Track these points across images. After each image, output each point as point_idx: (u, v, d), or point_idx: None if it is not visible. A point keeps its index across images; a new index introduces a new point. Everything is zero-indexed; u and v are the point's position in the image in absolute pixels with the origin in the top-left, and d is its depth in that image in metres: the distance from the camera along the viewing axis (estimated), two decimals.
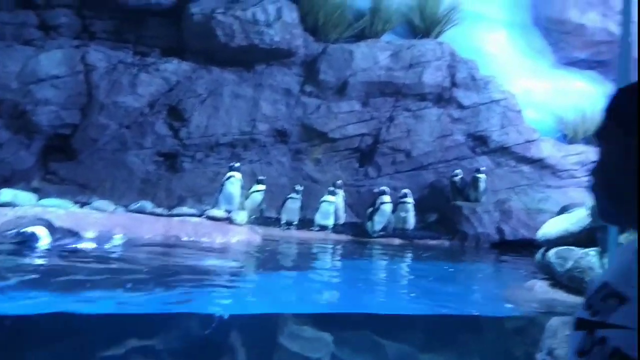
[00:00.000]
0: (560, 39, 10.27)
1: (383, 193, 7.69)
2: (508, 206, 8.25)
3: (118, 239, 5.19)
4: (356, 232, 7.86)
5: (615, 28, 9.45)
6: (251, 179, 7.99)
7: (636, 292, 0.88)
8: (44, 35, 7.97)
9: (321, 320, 4.70)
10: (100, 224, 5.28)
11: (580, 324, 0.96)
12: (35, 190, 6.54)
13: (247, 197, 7.19)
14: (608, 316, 0.90)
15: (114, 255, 4.68)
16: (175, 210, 6.19)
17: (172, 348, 3.77)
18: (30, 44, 7.79)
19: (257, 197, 7.34)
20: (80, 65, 7.66)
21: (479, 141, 9.18)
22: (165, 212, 6.06)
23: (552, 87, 10.02)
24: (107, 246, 4.90)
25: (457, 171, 8.62)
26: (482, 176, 8.35)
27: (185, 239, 5.61)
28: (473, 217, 8.06)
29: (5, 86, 7.34)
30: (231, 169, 7.14)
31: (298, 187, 7.57)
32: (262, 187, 7.41)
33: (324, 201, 7.54)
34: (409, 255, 7.20)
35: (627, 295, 0.90)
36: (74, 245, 4.81)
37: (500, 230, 8.01)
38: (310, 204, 7.90)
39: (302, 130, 8.80)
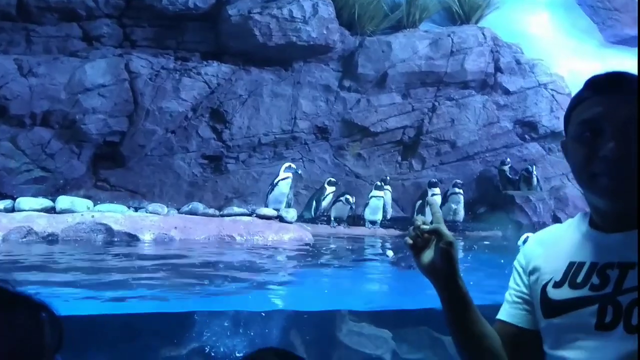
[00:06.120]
0: (607, 16, 9.82)
1: (433, 185, 7.51)
2: (563, 193, 7.93)
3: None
4: (404, 226, 7.69)
5: None
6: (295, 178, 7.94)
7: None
8: (88, 46, 8.15)
9: (381, 317, 4.59)
10: (157, 227, 5.34)
11: (584, 301, 1.02)
12: (87, 198, 6.67)
13: (320, 200, 7.28)
14: (621, 284, 0.99)
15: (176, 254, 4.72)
16: (225, 211, 6.21)
17: (229, 345, 3.75)
18: (75, 55, 7.98)
19: (330, 198, 7.38)
20: (124, 73, 7.79)
21: (528, 127, 8.87)
22: (216, 212, 6.09)
23: (602, 67, 9.36)
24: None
25: (507, 160, 8.35)
26: (534, 172, 8.03)
27: (238, 238, 5.61)
28: (527, 206, 7.79)
29: (54, 98, 7.54)
30: (287, 169, 7.16)
31: (350, 198, 7.49)
32: (333, 188, 7.46)
33: (373, 197, 7.43)
34: (462, 247, 6.99)
35: (630, 261, 0.99)
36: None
37: (556, 219, 7.69)
38: (355, 200, 7.79)
39: (343, 125, 8.70)
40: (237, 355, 3.43)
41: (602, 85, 1.08)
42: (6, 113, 7.35)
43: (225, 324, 3.46)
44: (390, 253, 6.09)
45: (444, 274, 1.10)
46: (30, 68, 7.52)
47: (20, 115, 7.40)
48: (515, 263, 1.21)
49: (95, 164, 7.82)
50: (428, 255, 1.11)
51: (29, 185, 7.29)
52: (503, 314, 1.19)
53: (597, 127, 1.05)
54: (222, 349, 3.46)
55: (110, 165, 7.81)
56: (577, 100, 1.11)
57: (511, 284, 1.20)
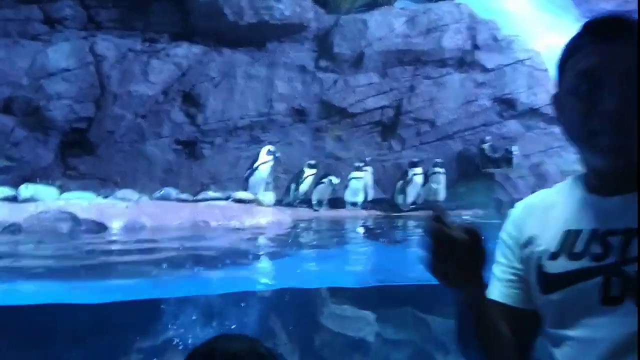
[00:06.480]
0: None
1: (415, 165, 7.43)
2: (543, 170, 7.91)
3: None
4: (385, 207, 7.62)
5: None
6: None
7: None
8: (50, 29, 7.77)
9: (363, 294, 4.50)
10: (126, 214, 5.10)
11: (586, 273, 0.90)
12: (57, 188, 6.38)
13: (298, 183, 7.07)
14: (627, 252, 0.87)
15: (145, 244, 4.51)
16: (201, 196, 6.00)
17: (203, 332, 3.61)
18: (37, 39, 7.61)
19: (310, 180, 7.21)
20: (89, 56, 7.46)
21: (506, 105, 8.80)
22: (190, 197, 5.87)
23: None
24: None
25: (487, 138, 8.29)
26: (515, 152, 7.98)
27: (214, 223, 5.41)
28: (507, 184, 7.75)
29: (15, 83, 7.19)
30: (268, 153, 6.95)
31: (333, 179, 7.36)
32: (314, 170, 7.25)
33: (353, 178, 7.31)
34: None
35: (635, 227, 0.87)
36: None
37: None
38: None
39: (321, 107, 8.52)
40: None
41: (600, 31, 0.93)
42: None
43: (196, 311, 3.30)
44: (360, 230, 6.01)
45: (472, 277, 0.91)
46: None
47: None
48: (503, 235, 1.05)
49: (63, 152, 7.50)
50: (451, 259, 0.88)
51: None
52: (495, 293, 1.02)
53: (596, 78, 0.91)
54: (191, 339, 3.30)
55: (79, 153, 7.50)
56: (572, 48, 0.96)
57: (500, 258, 1.04)
